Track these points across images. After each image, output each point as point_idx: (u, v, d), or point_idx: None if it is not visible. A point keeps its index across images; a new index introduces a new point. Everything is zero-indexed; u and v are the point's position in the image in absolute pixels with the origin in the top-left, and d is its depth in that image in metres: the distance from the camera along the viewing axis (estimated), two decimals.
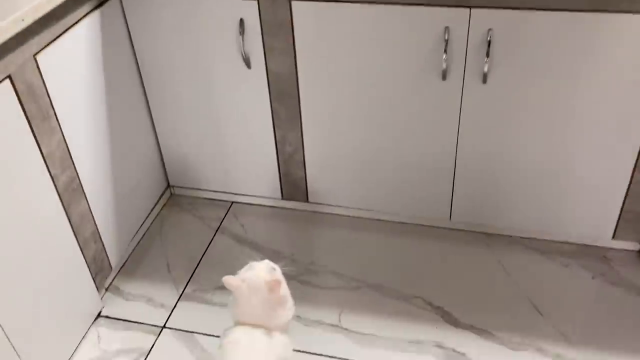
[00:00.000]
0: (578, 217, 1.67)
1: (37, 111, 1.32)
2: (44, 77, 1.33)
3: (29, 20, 1.23)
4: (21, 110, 1.28)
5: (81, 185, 1.51)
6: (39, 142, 1.34)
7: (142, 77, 1.74)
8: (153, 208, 1.92)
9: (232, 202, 1.97)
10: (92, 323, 1.60)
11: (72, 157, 1.46)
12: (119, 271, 1.75)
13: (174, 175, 1.96)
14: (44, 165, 1.36)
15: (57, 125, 1.40)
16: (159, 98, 1.77)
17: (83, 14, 1.46)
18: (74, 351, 1.52)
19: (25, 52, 1.28)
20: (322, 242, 1.81)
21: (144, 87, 1.76)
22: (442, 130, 1.59)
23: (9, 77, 1.24)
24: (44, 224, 1.38)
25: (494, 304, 1.58)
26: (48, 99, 1.36)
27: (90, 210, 1.56)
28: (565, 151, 1.54)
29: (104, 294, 1.68)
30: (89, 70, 1.50)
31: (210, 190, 1.97)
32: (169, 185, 2.00)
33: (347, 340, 1.51)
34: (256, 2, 1.50)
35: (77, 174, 1.49)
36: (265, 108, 1.69)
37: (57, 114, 1.39)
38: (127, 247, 1.79)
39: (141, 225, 1.85)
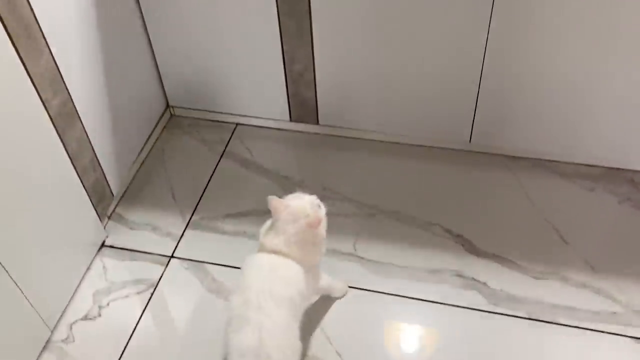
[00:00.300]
0: (606, 139, 1.57)
1: (20, 28, 1.18)
2: None
3: None
4: (2, 28, 1.13)
5: (75, 109, 1.39)
6: (25, 63, 1.20)
7: None
8: (153, 131, 1.80)
9: (237, 124, 1.85)
10: (97, 253, 1.53)
11: (64, 78, 1.33)
12: (121, 199, 1.67)
13: (173, 95, 1.83)
14: (34, 89, 1.23)
15: (44, 44, 1.26)
16: (156, 10, 1.61)
17: None
18: (79, 283, 1.47)
19: None
20: (334, 167, 1.71)
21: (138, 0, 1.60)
22: (468, 44, 1.45)
23: None
24: (39, 152, 1.28)
25: (516, 231, 1.51)
26: (32, 14, 1.21)
27: (87, 135, 1.45)
28: (601, 69, 1.42)
29: (107, 222, 1.60)
30: None
31: (213, 112, 1.85)
32: (168, 106, 1.87)
33: (362, 270, 1.46)
34: None
35: (70, 96, 1.36)
36: (272, 22, 1.54)
37: (43, 30, 1.25)
38: (128, 174, 1.70)
39: (142, 150, 1.75)
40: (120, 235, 1.58)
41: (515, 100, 1.55)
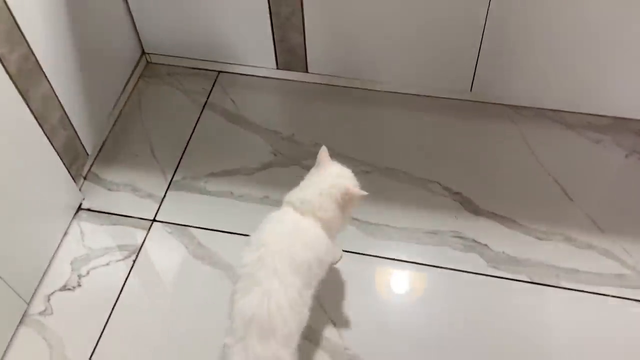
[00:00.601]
0: (614, 87, 1.47)
1: None
2: None
3: None
4: None
5: (38, 64, 1.25)
6: None
7: None
8: (128, 81, 1.66)
9: (219, 72, 1.72)
10: (73, 218, 1.44)
11: (22, 29, 1.19)
12: (96, 157, 1.55)
13: (149, 41, 1.68)
14: None
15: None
16: None
17: None
18: (56, 251, 1.38)
19: None
20: (325, 120, 1.60)
21: None
22: None
23: None
24: (1, 115, 1.15)
25: (518, 188, 1.43)
26: None
27: (53, 92, 1.32)
28: (611, 14, 1.30)
29: (83, 184, 1.50)
30: None
31: (193, 59, 1.71)
32: (143, 53, 1.72)
33: (357, 232, 1.38)
34: None
35: (30, 50, 1.22)
36: None
37: None
38: (103, 130, 1.57)
39: (117, 102, 1.61)
40: (97, 198, 1.47)
41: (520, 46, 1.43)
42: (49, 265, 1.35)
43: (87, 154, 1.49)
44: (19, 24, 1.17)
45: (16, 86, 1.18)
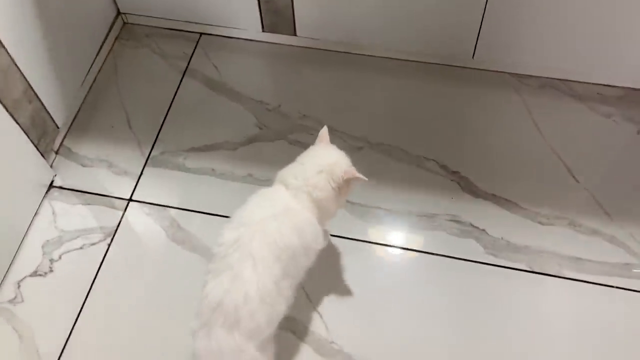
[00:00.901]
0: (628, 56, 1.35)
1: None
2: None
3: None
4: None
5: None
6: None
7: None
8: (102, 45, 1.53)
9: (201, 34, 1.58)
10: (44, 196, 1.34)
11: None
12: (69, 130, 1.44)
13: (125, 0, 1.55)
14: None
15: None
16: None
17: None
18: (26, 233, 1.29)
19: None
20: (313, 89, 1.48)
21: None
22: None
23: None
24: None
25: (520, 168, 1.33)
26: None
27: (14, 63, 1.20)
28: None
29: (55, 159, 1.40)
30: None
31: (173, 19, 1.57)
32: (119, 13, 1.59)
33: (346, 214, 1.29)
34: None
35: None
36: None
37: None
38: (75, 99, 1.46)
39: (90, 69, 1.49)
40: (70, 174, 1.38)
41: (526, 8, 1.30)
42: (18, 249, 1.27)
43: (58, 127, 1.38)
44: None
45: None
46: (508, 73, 1.46)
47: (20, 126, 1.23)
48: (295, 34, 1.50)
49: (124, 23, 1.61)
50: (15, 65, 1.20)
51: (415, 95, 1.45)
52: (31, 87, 1.26)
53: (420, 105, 1.44)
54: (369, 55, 1.51)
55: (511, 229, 1.25)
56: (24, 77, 1.23)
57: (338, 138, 1.38)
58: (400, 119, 1.42)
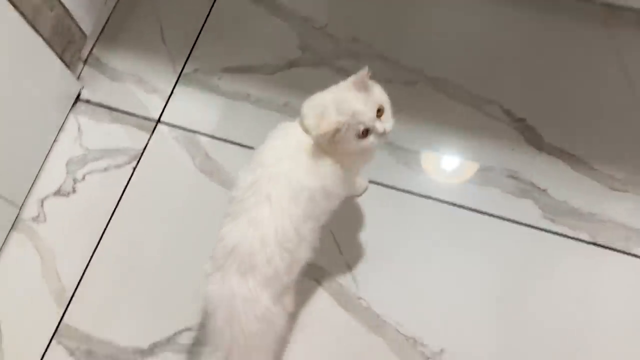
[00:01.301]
0: None
1: None
2: None
3: None
4: None
5: None
6: None
7: None
8: None
9: None
10: (71, 110, 1.27)
11: None
12: (99, 37, 1.33)
13: None
14: None
15: None
16: None
17: None
18: (51, 147, 1.23)
19: None
20: (368, 10, 1.30)
21: None
22: None
23: None
24: None
25: (598, 121, 1.15)
26: None
27: None
28: None
29: (82, 69, 1.30)
30: None
31: None
32: None
33: (390, 159, 1.15)
34: None
35: None
36: None
37: None
38: (105, 5, 1.33)
39: None
40: (98, 86, 1.28)
41: None
42: (42, 165, 1.22)
43: (85, 35, 1.28)
44: None
45: None
46: (599, 4, 1.23)
47: (40, 35, 1.13)
48: None
49: None
50: None
51: (482, 23, 1.25)
52: None
53: (486, 35, 1.24)
54: None
55: (577, 192, 1.10)
56: None
57: (389, 67, 1.22)
58: (461, 51, 1.23)
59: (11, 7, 1.04)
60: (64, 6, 1.18)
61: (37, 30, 1.11)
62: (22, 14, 1.06)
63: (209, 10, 1.33)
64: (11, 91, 1.08)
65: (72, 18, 1.21)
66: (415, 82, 1.21)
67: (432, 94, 1.20)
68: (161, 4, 1.35)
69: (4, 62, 1.05)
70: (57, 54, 1.18)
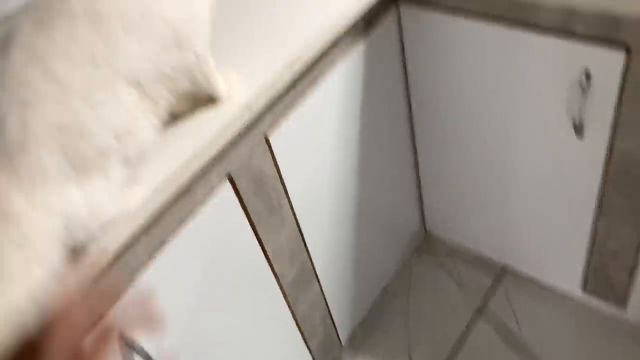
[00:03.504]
0: None
1: (264, 205, 0.95)
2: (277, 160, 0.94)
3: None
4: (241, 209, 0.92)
5: (314, 269, 1.15)
6: (263, 241, 0.98)
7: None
8: (402, 262, 1.50)
9: (503, 268, 1.44)
10: None
11: (307, 244, 1.09)
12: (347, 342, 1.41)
13: (431, 216, 1.50)
14: (268, 266, 1.02)
15: (291, 215, 1.02)
16: (425, 124, 1.28)
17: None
18: None
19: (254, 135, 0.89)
20: None
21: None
22: None
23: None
24: (270, 323, 1.07)
25: None
26: (281, 186, 0.98)
27: (322, 293, 1.21)
28: None
29: None
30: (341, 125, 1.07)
31: (475, 246, 1.47)
32: (425, 230, 1.54)
33: None
34: (622, 57, 0.87)
35: (310, 259, 1.12)
36: (590, 192, 1.09)
37: (292, 200, 1.01)
38: (361, 312, 1.43)
39: (387, 286, 1.46)
40: None
41: None
42: None
43: (341, 344, 1.36)
44: (305, 239, 1.08)
45: (286, 299, 1.09)
46: None
47: (310, 351, 1.22)
48: (625, 307, 1.26)
49: (425, 231, 1.56)
50: (322, 293, 1.20)
51: None
52: (329, 312, 1.25)
53: None
54: None
55: None
56: (326, 304, 1.23)
57: None
58: None
59: (298, 333, 1.15)
60: (333, 322, 1.27)
61: (309, 349, 1.21)
62: (303, 337, 1.17)
63: (456, 338, 1.35)
64: None
65: (336, 329, 1.30)
66: None
67: None
68: (412, 320, 1.40)
69: None
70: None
